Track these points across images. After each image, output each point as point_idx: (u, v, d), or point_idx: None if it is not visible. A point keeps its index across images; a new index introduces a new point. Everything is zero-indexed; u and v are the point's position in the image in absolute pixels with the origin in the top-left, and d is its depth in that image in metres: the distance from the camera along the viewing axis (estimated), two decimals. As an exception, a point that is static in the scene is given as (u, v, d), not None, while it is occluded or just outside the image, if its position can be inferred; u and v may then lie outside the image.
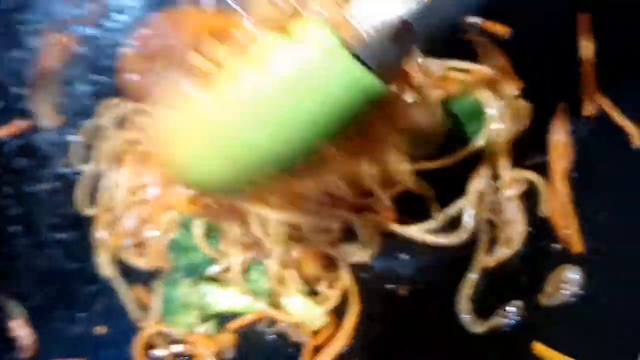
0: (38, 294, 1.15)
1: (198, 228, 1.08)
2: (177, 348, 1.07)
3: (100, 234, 1.18)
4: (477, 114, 1.03)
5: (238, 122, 0.61)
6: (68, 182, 1.24)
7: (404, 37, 0.58)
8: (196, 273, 1.06)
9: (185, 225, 1.10)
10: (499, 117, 1.02)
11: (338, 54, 0.58)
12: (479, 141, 1.03)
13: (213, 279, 1.07)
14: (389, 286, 1.03)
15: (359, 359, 0.98)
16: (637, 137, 0.90)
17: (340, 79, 0.58)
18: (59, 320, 1.13)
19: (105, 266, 1.17)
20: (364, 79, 0.59)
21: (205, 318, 1.09)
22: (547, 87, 1.03)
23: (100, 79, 1.30)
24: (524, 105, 1.05)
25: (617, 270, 0.85)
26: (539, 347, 0.83)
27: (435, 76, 1.10)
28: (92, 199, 1.22)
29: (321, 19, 0.60)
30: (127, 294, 1.14)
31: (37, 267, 1.18)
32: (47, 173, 1.25)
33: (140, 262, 1.16)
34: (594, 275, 0.87)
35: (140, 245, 1.17)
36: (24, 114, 1.25)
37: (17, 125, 1.25)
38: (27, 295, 1.14)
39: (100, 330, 1.12)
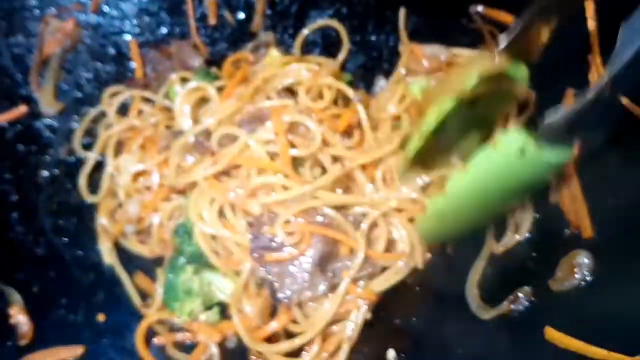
0: (37, 281, 1.13)
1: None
2: (179, 336, 1.05)
3: (102, 220, 1.17)
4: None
5: (465, 212, 0.91)
6: (69, 169, 1.24)
7: (572, 129, 0.74)
8: (201, 259, 1.04)
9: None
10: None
11: (532, 153, 0.77)
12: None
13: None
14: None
15: (368, 347, 0.96)
16: (648, 121, 0.89)
17: (536, 167, 0.79)
18: (59, 308, 1.12)
19: (106, 254, 1.15)
20: (555, 158, 0.78)
21: (209, 306, 1.07)
22: (554, 73, 1.02)
23: (103, 66, 1.29)
24: (530, 92, 1.04)
25: (627, 254, 0.84)
26: (550, 332, 0.82)
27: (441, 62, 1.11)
28: (94, 186, 1.20)
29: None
30: (128, 282, 1.12)
31: (37, 254, 1.16)
32: (48, 160, 1.23)
33: (143, 250, 1.14)
34: (604, 259, 0.86)
35: (142, 233, 1.15)
36: (26, 99, 1.24)
37: (19, 111, 1.24)
38: (26, 282, 1.12)
39: (100, 317, 1.10)
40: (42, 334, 1.08)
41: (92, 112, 1.26)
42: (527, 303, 0.89)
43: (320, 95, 1.10)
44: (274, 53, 1.22)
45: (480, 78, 0.85)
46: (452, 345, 0.92)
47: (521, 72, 0.90)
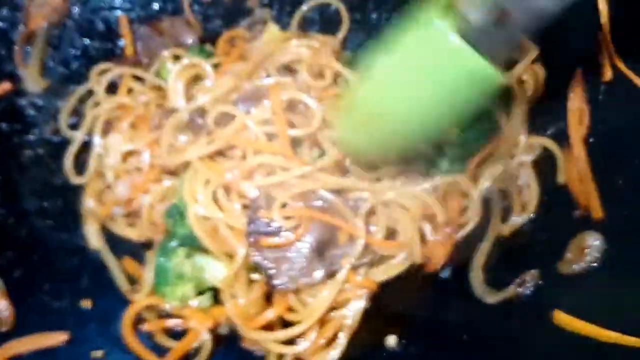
0: (19, 265, 1.07)
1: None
2: (169, 322, 1.00)
3: (88, 202, 1.11)
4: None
5: (383, 112, 0.75)
6: (54, 149, 1.18)
7: (505, 24, 0.62)
8: (194, 242, 0.98)
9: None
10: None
11: (461, 51, 0.63)
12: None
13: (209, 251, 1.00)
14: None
15: (367, 333, 0.92)
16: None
17: (463, 71, 0.65)
18: (42, 293, 1.05)
19: (93, 237, 1.10)
20: (484, 70, 0.64)
21: (201, 291, 1.02)
22: (564, 52, 0.99)
23: (91, 42, 1.24)
24: (540, 71, 1.01)
25: (637, 236, 0.81)
26: (559, 316, 0.78)
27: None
28: (81, 167, 1.15)
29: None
30: (116, 266, 1.06)
31: (19, 237, 1.10)
32: (32, 139, 1.18)
33: (132, 234, 1.09)
34: (615, 241, 0.82)
35: (131, 215, 1.10)
36: (9, 76, 1.18)
37: (2, 88, 1.18)
38: (8, 266, 1.06)
39: (86, 303, 1.05)
40: (24, 320, 1.01)
41: (80, 90, 1.20)
42: (534, 286, 0.86)
43: (321, 75, 1.05)
44: (273, 29, 1.17)
45: None
46: (456, 331, 0.88)
47: None
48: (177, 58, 1.16)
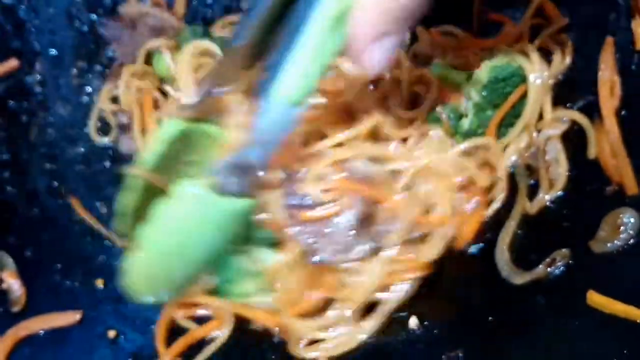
0: (30, 245, 1.03)
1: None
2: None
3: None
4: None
5: (168, 265, 0.82)
6: (63, 127, 1.12)
7: (241, 172, 0.76)
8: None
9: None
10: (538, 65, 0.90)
11: (211, 200, 0.77)
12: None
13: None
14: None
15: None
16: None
17: (218, 212, 0.78)
18: (53, 273, 1.02)
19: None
20: (233, 205, 0.78)
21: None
22: (594, 19, 0.91)
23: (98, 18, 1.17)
24: (567, 41, 0.93)
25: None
26: (594, 297, 0.71)
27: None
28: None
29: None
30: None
31: (30, 216, 1.05)
32: (41, 117, 1.12)
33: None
34: (652, 218, 0.75)
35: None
36: (16, 53, 1.12)
37: (9, 65, 1.12)
38: (19, 246, 1.02)
39: (99, 283, 1.00)
40: (36, 300, 0.98)
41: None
42: (565, 267, 0.79)
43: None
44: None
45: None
46: (481, 314, 0.81)
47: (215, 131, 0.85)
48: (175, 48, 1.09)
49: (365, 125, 0.89)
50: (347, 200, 0.85)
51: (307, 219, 0.85)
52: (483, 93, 0.91)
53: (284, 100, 0.72)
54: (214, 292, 0.91)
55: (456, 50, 1.00)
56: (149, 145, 0.88)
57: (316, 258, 0.85)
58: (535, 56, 0.92)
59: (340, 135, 0.87)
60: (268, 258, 0.89)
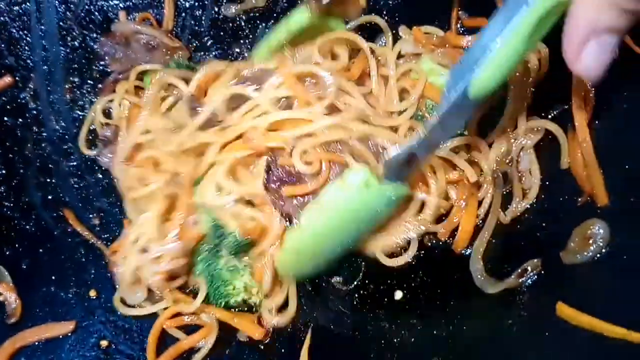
0: (26, 257, 1.04)
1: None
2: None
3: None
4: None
5: (319, 246, 0.87)
6: (57, 142, 1.13)
7: (411, 161, 0.80)
8: (240, 248, 0.91)
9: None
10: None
11: (377, 187, 0.82)
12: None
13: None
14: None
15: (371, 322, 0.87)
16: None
17: (381, 199, 0.83)
18: (48, 285, 1.03)
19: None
20: (395, 192, 0.84)
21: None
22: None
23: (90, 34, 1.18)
24: (543, 49, 0.92)
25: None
26: (562, 308, 0.72)
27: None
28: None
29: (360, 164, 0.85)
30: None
31: (26, 229, 1.07)
32: (35, 132, 1.13)
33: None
34: (621, 229, 0.75)
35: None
36: (10, 70, 1.13)
37: (4, 81, 1.13)
38: (15, 258, 1.03)
39: (92, 294, 1.01)
40: (32, 311, 0.99)
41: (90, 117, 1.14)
42: (536, 276, 0.79)
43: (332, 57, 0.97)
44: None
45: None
46: (455, 322, 0.82)
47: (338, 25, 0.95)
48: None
49: (356, 107, 0.89)
50: (328, 170, 0.85)
51: (291, 194, 0.86)
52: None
53: (473, 90, 0.68)
54: (205, 299, 0.93)
55: (441, 48, 1.00)
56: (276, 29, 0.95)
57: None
58: None
59: (330, 119, 0.87)
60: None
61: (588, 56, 0.60)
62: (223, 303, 0.93)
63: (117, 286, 0.99)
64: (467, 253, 0.89)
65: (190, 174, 0.94)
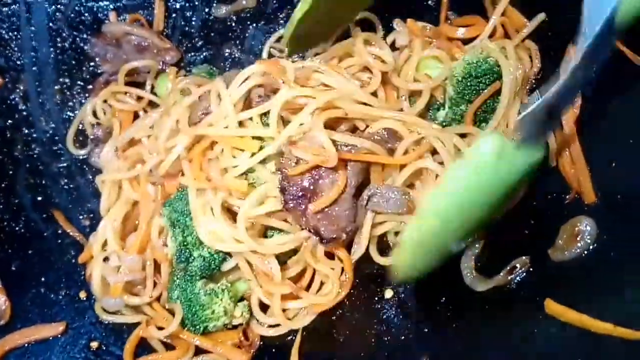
0: (16, 259, 1.03)
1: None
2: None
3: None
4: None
5: (445, 235, 0.73)
6: (47, 144, 1.12)
7: (551, 114, 0.68)
8: (210, 270, 0.89)
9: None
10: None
11: (511, 154, 0.68)
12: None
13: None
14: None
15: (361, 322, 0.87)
16: (657, 75, 0.76)
17: (515, 170, 0.69)
18: (38, 286, 1.02)
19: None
20: (532, 158, 0.70)
21: (238, 299, 0.94)
22: (556, 27, 0.90)
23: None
24: (532, 46, 0.92)
25: (632, 220, 0.73)
26: (551, 305, 0.71)
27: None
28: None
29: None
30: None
31: (15, 231, 1.06)
32: (25, 133, 1.12)
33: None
34: (608, 226, 0.75)
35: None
36: (0, 70, 1.12)
37: (-7, 82, 1.12)
38: (4, 260, 1.02)
39: (82, 295, 1.00)
40: (22, 313, 0.98)
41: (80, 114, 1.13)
42: (525, 274, 0.79)
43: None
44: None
45: None
46: (445, 320, 0.81)
47: None
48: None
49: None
50: (345, 171, 0.83)
51: (316, 210, 0.82)
52: (458, 88, 0.91)
53: (621, 15, 0.59)
54: (182, 324, 0.90)
55: (434, 40, 0.99)
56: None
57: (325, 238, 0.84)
58: (511, 52, 0.90)
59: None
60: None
61: None
62: (202, 328, 0.90)
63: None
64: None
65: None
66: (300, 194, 0.83)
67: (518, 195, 0.77)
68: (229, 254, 0.89)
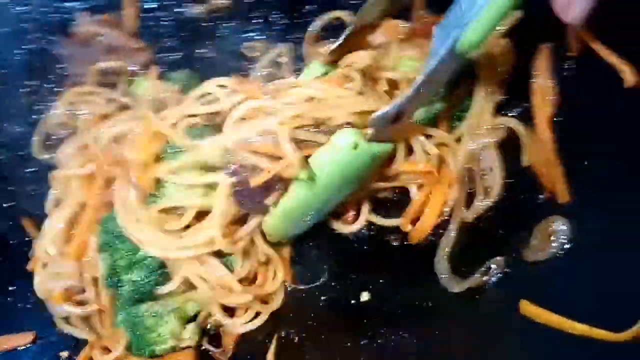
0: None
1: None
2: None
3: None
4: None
5: (310, 207, 0.86)
6: (12, 152, 1.09)
7: (399, 117, 0.83)
8: (146, 289, 0.87)
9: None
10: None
11: (364, 146, 0.83)
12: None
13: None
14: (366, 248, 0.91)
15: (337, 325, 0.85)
16: (629, 74, 0.76)
17: (367, 158, 0.84)
18: (7, 296, 0.98)
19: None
20: (381, 149, 0.85)
21: (187, 320, 0.90)
22: (530, 25, 0.89)
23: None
24: (506, 44, 0.91)
25: (607, 219, 0.72)
26: (525, 306, 0.71)
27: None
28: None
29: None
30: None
31: (-20, 238, 1.02)
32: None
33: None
34: (583, 225, 0.74)
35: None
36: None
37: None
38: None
39: (51, 305, 0.97)
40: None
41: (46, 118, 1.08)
42: (500, 274, 0.78)
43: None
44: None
45: None
46: (421, 321, 0.80)
47: None
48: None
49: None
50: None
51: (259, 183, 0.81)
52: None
53: (459, 43, 0.73)
54: (129, 347, 0.88)
55: (410, 37, 0.98)
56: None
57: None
58: (486, 50, 0.89)
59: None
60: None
61: (576, 7, 0.68)
62: (148, 352, 0.87)
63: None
64: (432, 251, 0.87)
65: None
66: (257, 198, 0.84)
67: (370, 176, 0.90)
68: (165, 276, 0.87)
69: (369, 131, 0.83)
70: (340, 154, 0.82)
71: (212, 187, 0.85)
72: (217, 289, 0.86)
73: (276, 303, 0.90)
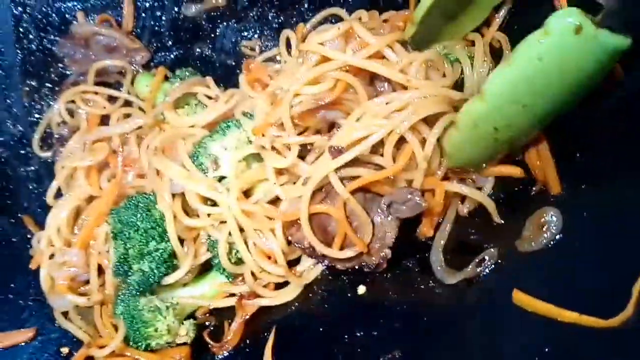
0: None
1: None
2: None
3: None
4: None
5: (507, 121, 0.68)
6: (14, 148, 1.10)
7: None
8: (149, 284, 0.88)
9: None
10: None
11: (591, 33, 0.59)
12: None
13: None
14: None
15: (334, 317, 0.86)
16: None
17: (595, 53, 0.60)
18: (8, 292, 1.00)
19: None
20: (617, 42, 0.60)
21: (184, 318, 0.93)
22: (525, 12, 0.90)
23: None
24: (501, 37, 0.92)
25: (598, 210, 0.73)
26: (519, 296, 0.71)
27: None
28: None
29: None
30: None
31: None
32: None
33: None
34: (574, 217, 0.75)
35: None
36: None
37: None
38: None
39: (52, 300, 0.98)
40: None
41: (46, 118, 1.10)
42: (493, 266, 0.79)
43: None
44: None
45: None
46: (416, 313, 0.81)
47: None
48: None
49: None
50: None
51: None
52: None
53: None
54: (126, 339, 0.89)
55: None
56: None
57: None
58: (480, 47, 0.87)
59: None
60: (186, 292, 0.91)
61: None
62: (144, 346, 0.88)
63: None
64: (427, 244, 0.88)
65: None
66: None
67: (591, 87, 0.66)
68: (172, 268, 0.89)
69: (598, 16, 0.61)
70: (554, 43, 0.60)
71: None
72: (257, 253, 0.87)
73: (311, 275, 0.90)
